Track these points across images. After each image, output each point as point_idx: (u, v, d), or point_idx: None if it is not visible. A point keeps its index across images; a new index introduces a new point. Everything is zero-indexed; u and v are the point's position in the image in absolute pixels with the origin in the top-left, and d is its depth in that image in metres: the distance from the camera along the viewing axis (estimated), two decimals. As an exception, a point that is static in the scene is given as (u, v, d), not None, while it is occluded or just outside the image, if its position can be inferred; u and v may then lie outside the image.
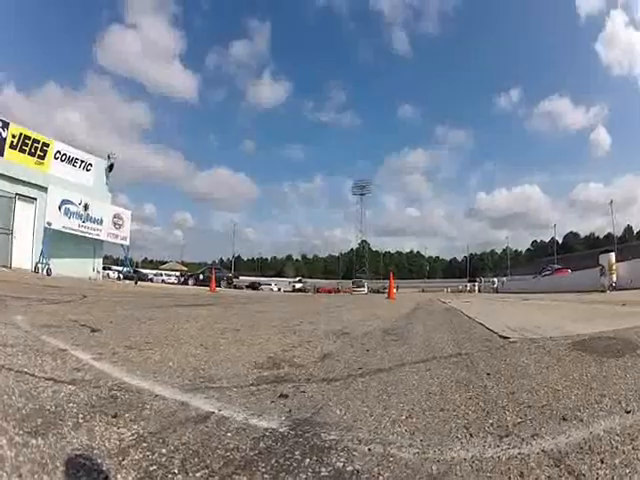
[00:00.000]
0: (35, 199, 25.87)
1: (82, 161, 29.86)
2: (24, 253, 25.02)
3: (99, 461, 1.61)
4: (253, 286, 69.59)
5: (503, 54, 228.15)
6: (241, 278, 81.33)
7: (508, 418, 2.21)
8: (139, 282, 31.18)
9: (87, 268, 28.74)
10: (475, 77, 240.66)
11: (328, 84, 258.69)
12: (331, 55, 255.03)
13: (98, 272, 30.08)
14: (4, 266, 22.94)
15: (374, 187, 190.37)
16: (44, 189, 25.74)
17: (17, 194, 24.76)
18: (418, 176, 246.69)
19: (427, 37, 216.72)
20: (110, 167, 31.89)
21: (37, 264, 25.09)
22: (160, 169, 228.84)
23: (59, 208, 26.21)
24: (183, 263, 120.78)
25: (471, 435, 2.00)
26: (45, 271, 24.62)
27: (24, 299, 8.07)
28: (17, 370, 2.70)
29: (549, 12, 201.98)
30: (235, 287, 48.75)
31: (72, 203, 26.77)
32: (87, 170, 30.12)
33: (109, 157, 32.09)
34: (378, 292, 70.67)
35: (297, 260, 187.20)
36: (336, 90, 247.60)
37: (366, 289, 76.65)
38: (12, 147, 25.47)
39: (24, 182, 25.42)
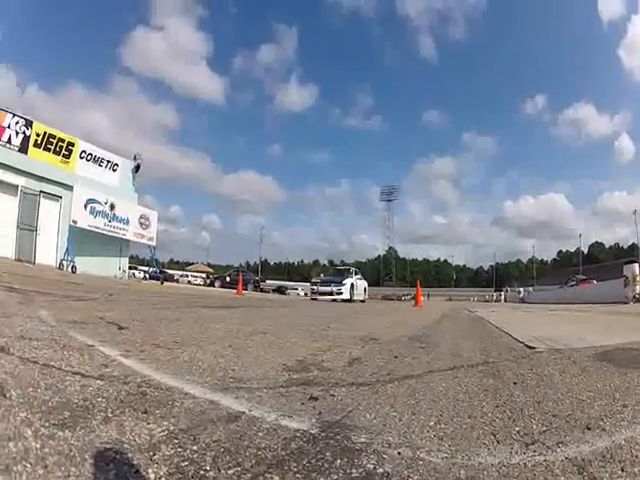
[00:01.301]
0: (60, 197, 26.65)
1: (108, 161, 30.78)
2: (48, 250, 25.78)
3: (130, 455, 1.61)
4: (280, 290, 69.45)
5: (528, 60, 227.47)
6: (268, 282, 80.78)
7: (534, 426, 2.25)
8: (165, 282, 31.71)
9: (113, 267, 29.38)
10: (501, 83, 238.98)
11: (355, 88, 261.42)
12: (358, 60, 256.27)
13: (124, 271, 30.79)
14: (28, 262, 23.70)
15: (401, 193, 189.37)
16: (69, 187, 26.49)
17: (42, 192, 25.59)
18: (445, 183, 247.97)
19: (453, 42, 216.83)
20: (137, 168, 32.66)
21: (62, 261, 25.83)
22: (186, 171, 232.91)
23: (85, 207, 27.01)
24: (209, 265, 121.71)
25: (498, 442, 2.03)
26: (70, 268, 25.28)
27: (49, 295, 8.20)
28: (43, 363, 2.72)
29: (572, 17, 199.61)
30: (262, 291, 48.88)
31: (98, 202, 27.59)
32: (113, 170, 31.05)
33: (135, 158, 32.88)
34: (398, 299, 65.12)
35: (324, 265, 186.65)
36: (363, 95, 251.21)
37: (349, 292, 29.86)
38: (36, 145, 26.46)
39: (49, 180, 26.23)
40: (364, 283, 34.30)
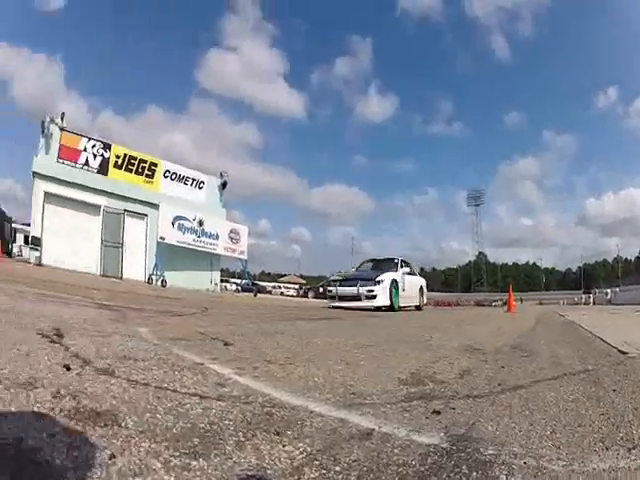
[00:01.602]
0: (146, 215, 28.82)
1: (194, 179, 33.01)
2: (136, 265, 28.03)
3: (276, 481, 1.56)
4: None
5: (598, 51, 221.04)
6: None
7: (634, 432, 2.37)
8: (258, 294, 32.58)
9: (203, 280, 30.79)
10: (573, 77, 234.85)
11: (434, 95, 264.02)
12: (434, 65, 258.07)
13: (216, 284, 32.38)
14: (115, 277, 25.71)
15: (487, 197, 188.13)
16: (155, 206, 28.51)
17: (126, 210, 27.68)
18: (529, 184, 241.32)
19: (523, 39, 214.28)
20: (223, 185, 34.67)
21: (151, 276, 27.81)
22: (272, 186, 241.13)
23: (172, 224, 29.01)
24: (301, 276, 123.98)
25: (606, 448, 2.13)
26: (160, 282, 27.09)
27: (143, 310, 8.37)
28: (155, 386, 2.64)
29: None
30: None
31: (186, 219, 29.50)
32: (199, 188, 33.32)
33: (221, 175, 34.95)
34: (489, 305, 63.35)
35: None
36: (442, 101, 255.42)
37: (388, 293, 17.97)
38: (116, 167, 28.81)
39: (133, 199, 28.32)
40: (419, 281, 22.98)
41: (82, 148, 28.35)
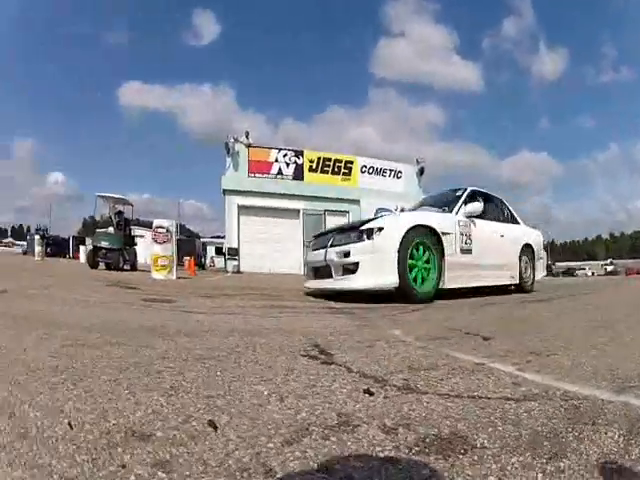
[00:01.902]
0: (347, 212, 30.38)
1: (391, 170, 34.46)
2: None
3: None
4: (568, 272, 68.95)
5: None
6: (556, 264, 79.91)
7: None
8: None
9: None
10: None
11: (599, 40, 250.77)
12: (593, 8, 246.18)
13: None
14: None
15: None
16: (355, 202, 30.17)
17: (326, 210, 28.58)
18: None
19: None
20: (421, 171, 35.65)
21: None
22: (463, 162, 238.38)
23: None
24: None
25: None
26: None
27: (374, 310, 8.18)
28: (468, 395, 2.73)
29: None
30: (553, 275, 48.82)
31: (388, 210, 29.91)
32: (397, 178, 34.72)
33: (418, 162, 35.94)
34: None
35: (606, 240, 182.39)
36: (608, 46, 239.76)
37: (380, 269, 8.14)
38: (311, 170, 30.88)
39: (332, 199, 30.16)
40: (521, 234, 13.05)
41: (273, 160, 30.87)
